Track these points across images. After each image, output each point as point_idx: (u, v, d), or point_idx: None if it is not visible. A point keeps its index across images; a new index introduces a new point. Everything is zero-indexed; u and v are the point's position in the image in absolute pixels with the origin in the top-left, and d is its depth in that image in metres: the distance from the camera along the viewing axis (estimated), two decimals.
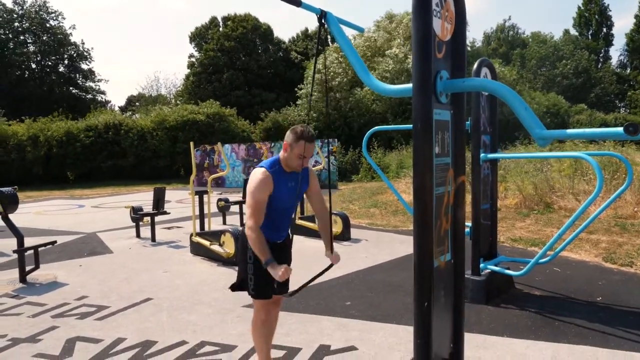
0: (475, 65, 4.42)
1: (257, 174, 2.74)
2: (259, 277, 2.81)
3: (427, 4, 1.92)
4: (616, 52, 73.55)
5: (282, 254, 2.96)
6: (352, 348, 3.48)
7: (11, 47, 37.30)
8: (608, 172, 9.61)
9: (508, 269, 4.65)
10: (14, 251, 5.52)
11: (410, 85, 2.06)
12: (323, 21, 2.40)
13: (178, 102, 38.66)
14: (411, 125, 2.04)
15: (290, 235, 3.12)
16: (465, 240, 2.48)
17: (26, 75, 38.13)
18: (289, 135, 2.77)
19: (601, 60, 48.33)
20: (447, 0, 2.14)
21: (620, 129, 1.58)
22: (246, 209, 2.73)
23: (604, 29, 48.90)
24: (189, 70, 41.50)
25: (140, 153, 25.72)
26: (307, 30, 44.49)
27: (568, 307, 4.26)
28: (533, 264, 4.25)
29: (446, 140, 2.23)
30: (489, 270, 4.60)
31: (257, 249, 2.65)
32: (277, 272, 2.56)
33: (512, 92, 1.85)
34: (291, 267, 2.69)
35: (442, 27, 2.11)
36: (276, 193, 2.76)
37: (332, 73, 26.25)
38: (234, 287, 2.99)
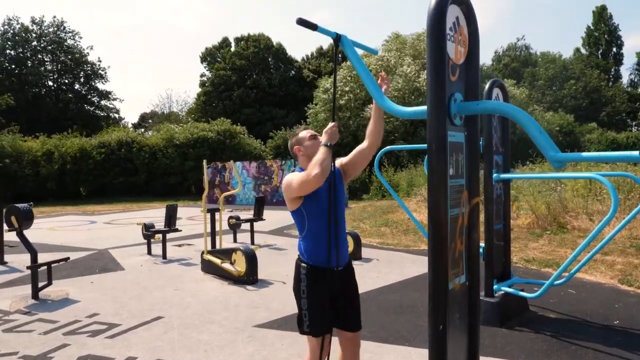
0: (486, 87, 4.44)
1: (290, 175, 2.61)
2: (313, 311, 2.59)
3: (441, 28, 1.94)
4: (626, 71, 73.35)
5: (347, 288, 2.70)
6: None
7: (29, 65, 38.20)
8: (622, 192, 9.50)
9: (522, 290, 4.59)
10: (28, 267, 5.57)
11: (424, 107, 2.07)
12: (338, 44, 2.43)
13: (190, 119, 39.18)
14: (423, 145, 2.05)
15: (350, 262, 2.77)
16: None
17: (43, 93, 38.94)
18: (293, 142, 2.76)
19: (612, 79, 48.12)
20: (460, 24, 2.17)
21: (635, 153, 1.58)
22: (296, 185, 2.50)
23: (614, 48, 48.76)
24: (200, 89, 42.11)
25: (152, 170, 26.00)
26: (321, 48, 44.95)
27: (584, 331, 4.18)
28: (548, 286, 4.19)
29: (460, 162, 2.23)
30: (503, 292, 4.54)
31: (317, 158, 2.44)
32: (329, 129, 2.52)
33: (526, 114, 1.86)
34: None
35: (455, 51, 2.14)
36: (313, 195, 2.58)
37: (339, 91, 26.52)
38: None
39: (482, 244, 4.59)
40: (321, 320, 2.59)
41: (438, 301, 2.00)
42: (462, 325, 2.31)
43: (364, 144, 2.73)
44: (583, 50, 49.28)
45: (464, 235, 2.29)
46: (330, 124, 2.57)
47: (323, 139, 2.54)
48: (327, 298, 2.62)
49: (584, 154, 1.76)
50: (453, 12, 2.11)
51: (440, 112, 1.96)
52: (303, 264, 2.63)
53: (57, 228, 12.74)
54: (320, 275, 2.59)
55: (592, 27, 48.85)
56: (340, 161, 2.80)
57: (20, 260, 7.72)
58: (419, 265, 6.97)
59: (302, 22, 2.30)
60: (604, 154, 1.72)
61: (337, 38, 2.41)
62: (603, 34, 48.14)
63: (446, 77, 1.98)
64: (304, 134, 2.72)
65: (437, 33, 1.94)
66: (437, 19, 1.94)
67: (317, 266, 2.60)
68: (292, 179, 2.55)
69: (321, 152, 2.47)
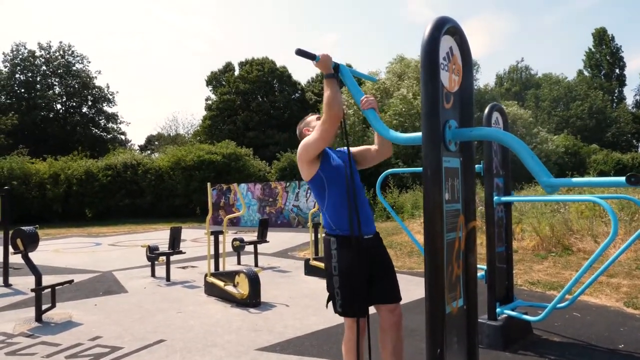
0: (486, 111, 4.50)
1: (303, 140, 2.69)
2: (346, 290, 2.58)
3: (435, 58, 2.02)
4: (631, 92, 73.81)
5: (379, 259, 2.72)
6: None
7: (38, 88, 38.88)
8: (627, 213, 9.45)
9: (526, 313, 4.57)
10: (32, 290, 5.61)
11: (420, 134, 2.13)
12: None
13: (195, 141, 39.57)
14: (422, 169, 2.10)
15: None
16: (480, 284, 2.48)
17: (51, 116, 39.51)
18: (302, 126, 2.91)
19: (616, 100, 48.31)
20: (454, 53, 2.25)
21: (622, 179, 1.62)
22: (318, 135, 2.54)
23: (617, 70, 49.06)
24: (206, 112, 42.66)
25: (158, 192, 26.13)
26: None
27: (589, 355, 4.15)
28: (551, 308, 4.17)
29: (456, 187, 2.28)
30: (506, 315, 4.52)
31: (326, 98, 2.49)
32: (323, 56, 2.49)
33: (518, 141, 1.91)
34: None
35: (449, 79, 2.21)
36: (328, 165, 2.64)
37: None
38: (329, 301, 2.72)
39: (484, 267, 4.59)
40: (354, 298, 2.55)
41: (435, 325, 2.02)
42: (460, 349, 2.32)
43: (373, 148, 2.81)
44: (585, 72, 49.64)
45: (461, 259, 2.33)
46: (323, 53, 2.51)
47: (321, 68, 2.51)
48: (361, 276, 2.56)
49: (574, 179, 1.81)
50: (447, 42, 2.19)
51: (434, 139, 2.02)
52: (332, 238, 2.61)
53: (62, 250, 12.79)
54: (351, 246, 2.55)
55: (592, 49, 49.27)
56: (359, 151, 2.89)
57: (24, 282, 7.75)
58: (422, 288, 6.91)
59: (301, 53, 2.38)
60: (594, 180, 1.76)
61: (336, 67, 2.49)
62: (605, 56, 48.52)
63: (440, 105, 2.05)
64: (312, 117, 2.91)
65: (431, 62, 2.01)
66: (430, 49, 2.02)
67: (346, 235, 2.57)
68: (308, 138, 2.61)
69: (327, 89, 2.49)
